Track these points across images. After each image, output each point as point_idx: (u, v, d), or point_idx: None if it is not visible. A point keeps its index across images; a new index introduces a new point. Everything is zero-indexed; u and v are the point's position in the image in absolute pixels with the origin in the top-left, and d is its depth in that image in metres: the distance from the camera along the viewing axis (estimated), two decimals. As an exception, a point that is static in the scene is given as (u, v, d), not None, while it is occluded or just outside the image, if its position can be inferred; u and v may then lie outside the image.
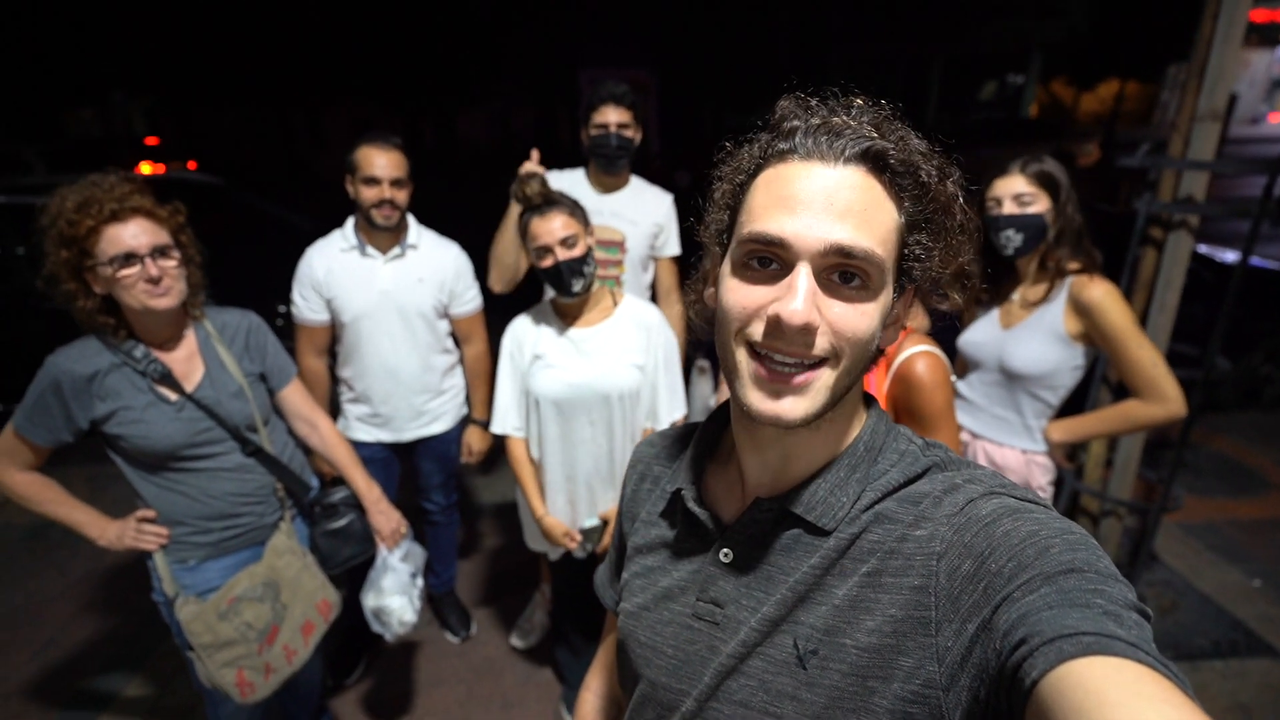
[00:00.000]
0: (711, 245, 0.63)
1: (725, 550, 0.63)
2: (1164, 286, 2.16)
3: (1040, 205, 1.55)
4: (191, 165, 7.06)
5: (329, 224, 2.09)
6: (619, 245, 2.21)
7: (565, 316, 1.72)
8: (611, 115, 2.10)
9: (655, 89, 16.54)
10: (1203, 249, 3.94)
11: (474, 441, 2.24)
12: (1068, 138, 14.74)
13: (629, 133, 2.13)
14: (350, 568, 1.71)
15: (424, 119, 18.62)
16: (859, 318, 0.52)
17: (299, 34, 14.04)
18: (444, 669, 2.34)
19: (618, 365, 1.67)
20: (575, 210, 1.60)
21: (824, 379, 0.54)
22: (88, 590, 2.72)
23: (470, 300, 2.15)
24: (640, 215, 2.22)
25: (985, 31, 17.30)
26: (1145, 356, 1.53)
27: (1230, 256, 4.02)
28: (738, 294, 0.55)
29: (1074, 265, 1.59)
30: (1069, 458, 2.07)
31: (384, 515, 1.71)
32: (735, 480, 0.67)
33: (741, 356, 0.55)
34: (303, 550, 1.62)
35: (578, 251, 1.56)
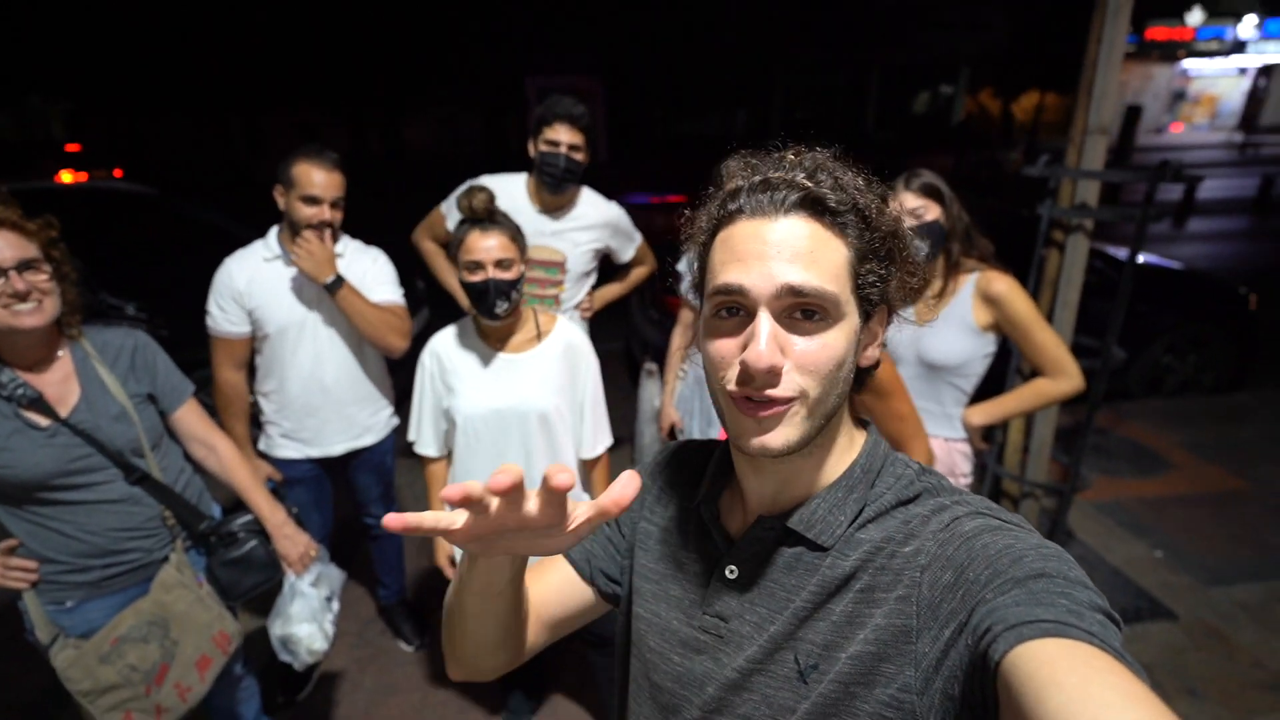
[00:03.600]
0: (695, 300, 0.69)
1: (731, 566, 0.66)
2: (1066, 284, 2.36)
3: (933, 213, 1.69)
4: (117, 173, 6.76)
5: (265, 230, 2.02)
6: (559, 266, 2.22)
7: (489, 338, 1.66)
8: (564, 135, 2.06)
9: (603, 96, 16.66)
10: (1110, 250, 4.27)
11: None
12: (994, 146, 15.56)
13: (579, 156, 2.09)
14: (257, 595, 1.62)
15: (370, 125, 18.25)
16: (821, 349, 0.57)
17: (236, 37, 13.56)
18: (398, 677, 2.34)
19: (541, 391, 1.63)
20: (517, 236, 1.57)
21: (797, 410, 0.58)
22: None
23: (389, 295, 2.02)
24: (583, 236, 2.24)
25: (919, 42, 18.12)
26: (1049, 339, 1.71)
27: (1124, 254, 4.36)
28: (714, 346, 0.60)
29: (970, 259, 1.75)
30: (984, 440, 2.25)
31: (289, 540, 1.63)
32: (740, 499, 0.70)
33: (725, 400, 0.60)
34: (196, 582, 1.52)
35: (510, 275, 1.53)
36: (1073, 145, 2.25)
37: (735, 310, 0.59)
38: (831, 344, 0.57)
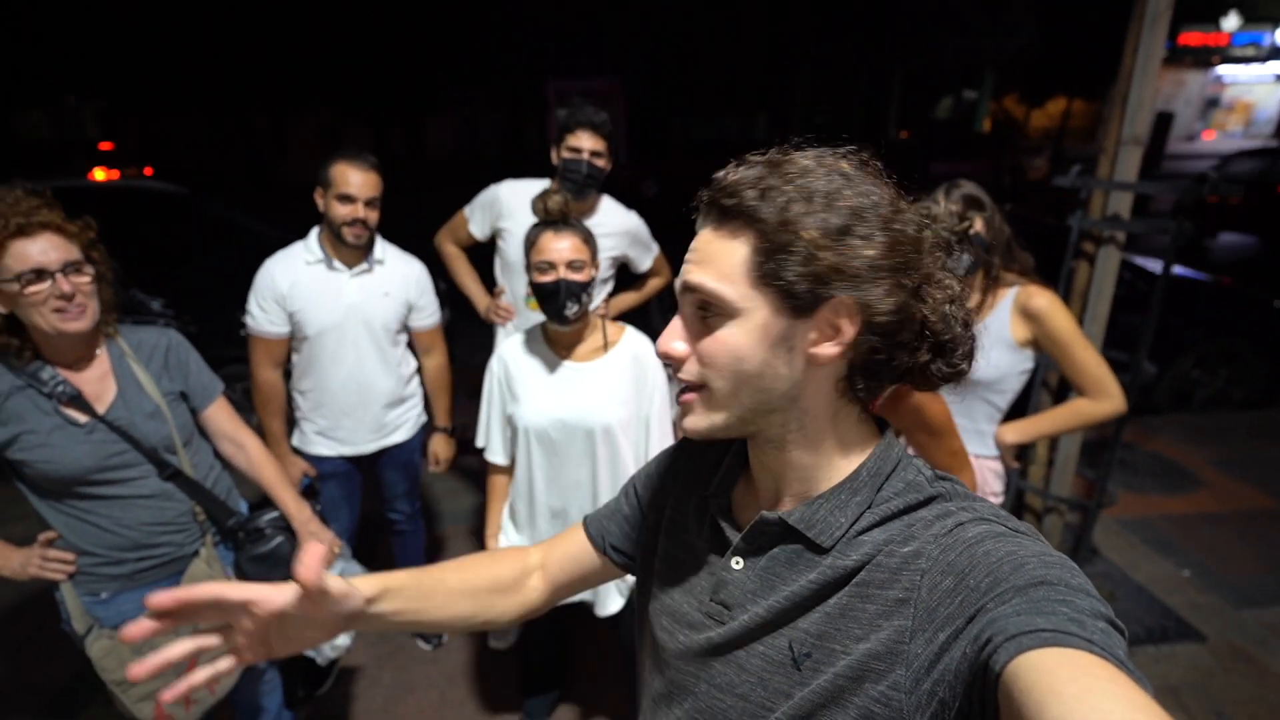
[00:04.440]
0: None
1: (737, 558, 0.69)
2: (1096, 296, 2.32)
3: (976, 226, 1.66)
4: (148, 171, 6.91)
5: (294, 233, 2.07)
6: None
7: (555, 345, 1.65)
8: (586, 141, 2.09)
9: (623, 98, 16.70)
10: (1138, 261, 4.20)
11: (440, 450, 2.27)
12: (1019, 152, 15.35)
13: (601, 162, 2.12)
14: None
15: (392, 126, 18.47)
16: (713, 343, 0.60)
17: (263, 39, 13.80)
18: (416, 676, 2.37)
19: (607, 402, 1.62)
20: (590, 239, 1.56)
21: (699, 400, 0.63)
22: (48, 602, 2.66)
23: (431, 314, 2.19)
24: (607, 243, 2.25)
25: (942, 48, 17.93)
26: (1090, 358, 1.65)
27: (1155, 265, 4.28)
28: None
29: (1010, 273, 1.72)
30: (1016, 458, 2.21)
31: (315, 536, 1.65)
32: (754, 492, 0.72)
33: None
34: (225, 576, 1.54)
35: (581, 277, 1.52)
36: (1105, 155, 2.22)
37: None
38: (725, 338, 0.60)
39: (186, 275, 3.81)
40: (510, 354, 1.69)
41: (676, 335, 0.63)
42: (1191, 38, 18.25)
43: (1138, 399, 2.34)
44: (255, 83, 14.93)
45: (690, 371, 0.63)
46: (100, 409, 1.36)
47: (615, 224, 2.31)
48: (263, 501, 1.67)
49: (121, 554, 1.41)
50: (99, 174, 5.29)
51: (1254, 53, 18.90)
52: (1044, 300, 1.66)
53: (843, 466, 0.64)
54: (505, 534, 1.81)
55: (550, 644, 2.11)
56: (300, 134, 18.61)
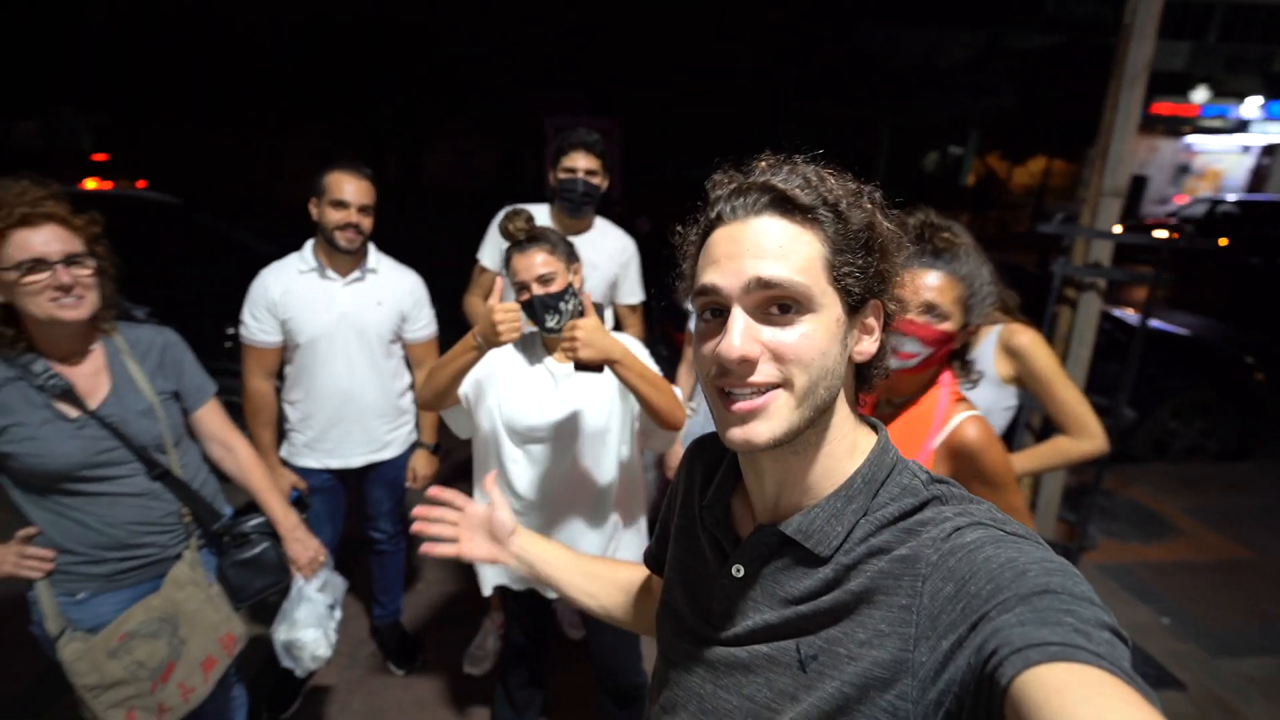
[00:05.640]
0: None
1: (737, 566, 0.68)
2: (1078, 341, 2.39)
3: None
4: (140, 184, 6.90)
5: (290, 249, 2.07)
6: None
7: (551, 348, 1.68)
8: (581, 161, 2.14)
9: (619, 138, 17.06)
10: (1117, 313, 4.32)
11: (420, 466, 2.24)
12: (1002, 207, 15.86)
13: (596, 180, 2.17)
14: (264, 600, 1.61)
15: (389, 153, 18.66)
16: (799, 339, 0.58)
17: (263, 58, 13.99)
18: (386, 702, 2.29)
19: (597, 394, 1.65)
20: (557, 247, 1.58)
21: (782, 400, 0.59)
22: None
23: (425, 327, 2.18)
24: (600, 258, 2.28)
25: (928, 103, 18.61)
26: (1072, 396, 1.67)
27: (1134, 318, 4.41)
28: (700, 347, 0.64)
29: (994, 311, 1.76)
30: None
31: (301, 543, 1.63)
32: (749, 502, 0.72)
33: (714, 399, 0.63)
34: (207, 582, 1.52)
35: (554, 287, 1.53)
36: (1087, 206, 2.31)
37: (718, 311, 0.62)
38: (809, 333, 0.58)
39: (177, 285, 3.78)
40: (499, 353, 1.68)
41: (752, 336, 0.59)
42: (1164, 107, 19.15)
43: (1117, 445, 2.39)
44: (254, 103, 15.08)
45: (769, 372, 0.59)
46: (92, 404, 1.34)
47: (610, 243, 2.35)
48: (247, 507, 1.64)
49: (104, 553, 1.38)
50: (90, 183, 5.28)
51: (1221, 124, 19.84)
52: (1026, 338, 1.70)
53: (838, 471, 0.65)
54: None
55: (525, 670, 2.07)
56: (296, 156, 18.73)
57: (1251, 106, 19.22)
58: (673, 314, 3.95)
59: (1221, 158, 21.64)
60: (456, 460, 3.69)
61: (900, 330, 1.20)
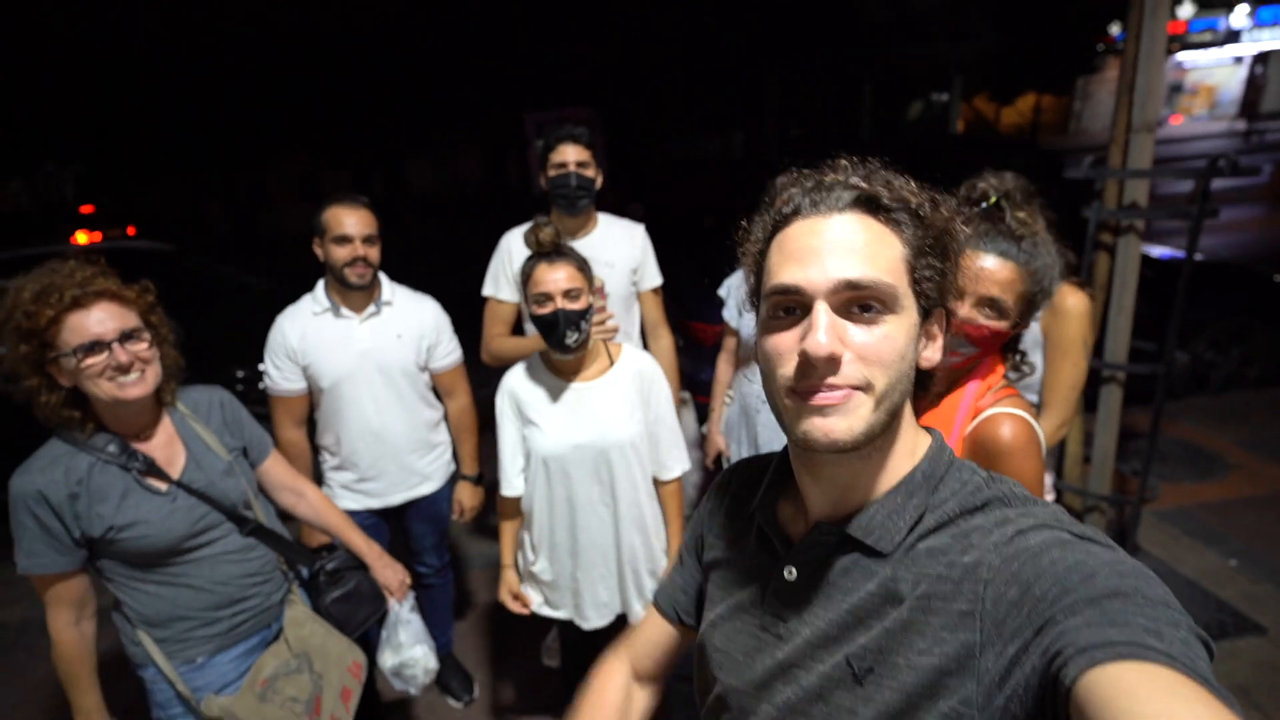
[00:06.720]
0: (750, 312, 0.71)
1: (790, 568, 0.67)
2: (1120, 288, 2.28)
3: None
4: (130, 231, 6.83)
5: (286, 283, 2.02)
6: (598, 292, 2.19)
7: (561, 373, 1.65)
8: (570, 154, 2.04)
9: (600, 125, 16.85)
10: (1143, 248, 4.17)
11: (465, 498, 2.18)
12: (996, 151, 15.59)
13: (589, 172, 2.07)
14: (367, 629, 1.67)
15: (371, 169, 18.52)
16: (883, 340, 0.57)
17: (238, 92, 13.86)
18: (449, 739, 2.24)
19: (618, 421, 1.62)
20: (584, 266, 1.57)
21: (862, 399, 0.57)
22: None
23: (449, 354, 2.11)
24: (614, 255, 2.19)
25: (907, 53, 18.27)
26: (1073, 376, 1.61)
27: (1156, 251, 4.26)
28: (771, 343, 0.61)
29: None
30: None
31: (390, 569, 1.70)
32: (802, 504, 0.70)
33: (786, 399, 0.60)
34: (313, 620, 1.57)
35: (579, 305, 1.52)
36: (1116, 144, 2.19)
37: (792, 309, 0.60)
38: (892, 335, 0.58)
39: (181, 333, 3.71)
40: (516, 383, 1.70)
41: (836, 336, 0.57)
42: (1152, 27, 18.79)
43: (1150, 383, 2.31)
44: (232, 136, 14.95)
45: (851, 373, 0.57)
46: (174, 474, 1.34)
47: (620, 235, 2.24)
48: (320, 548, 1.69)
49: (216, 613, 1.40)
50: (81, 237, 5.20)
51: (1211, 37, 19.40)
52: (1073, 300, 1.61)
53: (897, 470, 0.64)
54: (522, 557, 1.80)
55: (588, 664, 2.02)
56: (280, 183, 18.63)
57: (1240, 15, 18.78)
58: (685, 300, 3.85)
59: (1213, 72, 21.21)
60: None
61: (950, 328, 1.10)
